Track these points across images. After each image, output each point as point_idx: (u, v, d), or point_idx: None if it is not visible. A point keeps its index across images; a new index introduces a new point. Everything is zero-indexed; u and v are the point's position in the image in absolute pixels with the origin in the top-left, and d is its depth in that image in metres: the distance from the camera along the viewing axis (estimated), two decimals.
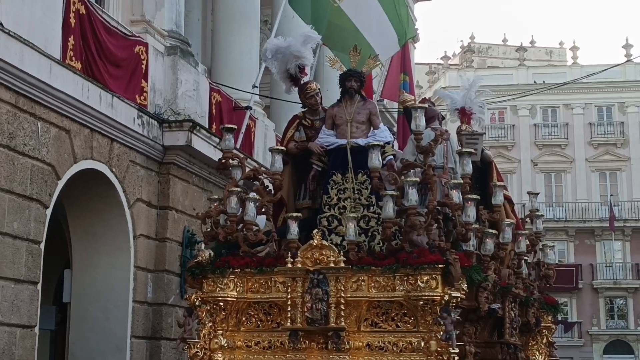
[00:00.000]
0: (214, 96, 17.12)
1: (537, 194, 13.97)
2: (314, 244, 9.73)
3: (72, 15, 12.65)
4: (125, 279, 14.39)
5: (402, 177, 9.74)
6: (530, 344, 12.92)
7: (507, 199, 12.80)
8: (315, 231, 9.82)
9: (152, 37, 15.50)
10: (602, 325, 52.90)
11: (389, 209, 9.59)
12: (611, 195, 53.08)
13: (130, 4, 15.49)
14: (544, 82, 48.89)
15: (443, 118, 12.47)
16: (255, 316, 10.17)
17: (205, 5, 21.85)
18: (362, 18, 13.67)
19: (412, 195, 9.49)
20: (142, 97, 14.78)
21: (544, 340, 13.14)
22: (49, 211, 12.38)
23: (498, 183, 11.62)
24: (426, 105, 10.17)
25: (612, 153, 54.86)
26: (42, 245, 12.23)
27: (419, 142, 9.82)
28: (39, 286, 12.23)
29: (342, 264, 9.55)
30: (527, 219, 13.08)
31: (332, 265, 9.58)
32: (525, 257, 12.63)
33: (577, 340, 51.81)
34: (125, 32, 14.71)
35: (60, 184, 12.62)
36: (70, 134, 12.82)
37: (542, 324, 12.96)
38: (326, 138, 10.77)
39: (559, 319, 49.13)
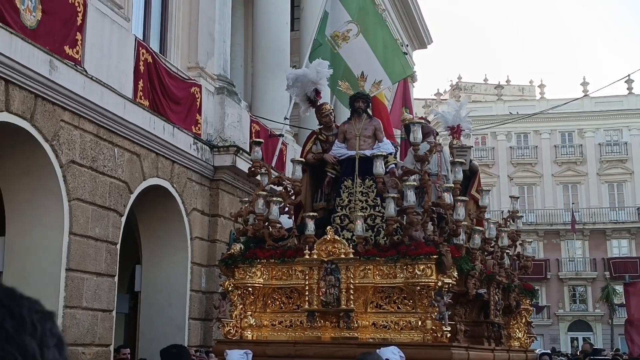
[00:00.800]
0: (254, 126, 17.30)
1: (518, 197, 13.26)
2: (328, 238, 9.13)
3: (141, 63, 12.92)
4: (184, 272, 14.57)
5: (402, 182, 9.09)
6: (511, 323, 12.20)
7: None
8: (328, 228, 9.22)
9: (205, 80, 15.71)
10: (567, 308, 52.63)
11: (391, 208, 8.96)
12: (572, 203, 52.85)
13: (187, 53, 15.60)
14: (517, 113, 49.30)
15: (437, 134, 11.81)
16: (279, 299, 9.55)
17: (246, 55, 21.83)
18: (355, 61, 12.95)
19: (411, 197, 8.87)
20: (196, 128, 15.05)
21: (523, 320, 12.41)
22: (123, 218, 12.58)
23: (485, 189, 10.96)
24: (423, 122, 9.51)
25: (573, 170, 54.74)
26: (118, 246, 12.41)
27: (416, 152, 9.18)
28: (116, 278, 12.37)
29: (352, 255, 8.92)
30: (509, 219, 12.37)
31: (343, 256, 8.97)
32: (508, 251, 11.96)
33: (546, 320, 51.61)
34: (183, 76, 14.85)
35: (132, 197, 12.84)
36: (140, 157, 13.07)
37: (522, 307, 12.22)
38: (338, 150, 10.16)
39: (533, 303, 49.46)
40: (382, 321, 9.00)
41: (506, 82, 60.89)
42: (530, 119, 47.87)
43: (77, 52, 11.10)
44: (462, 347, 8.90)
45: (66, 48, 10.70)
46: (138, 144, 12.91)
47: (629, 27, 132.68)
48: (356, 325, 8.94)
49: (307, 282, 9.13)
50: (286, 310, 9.49)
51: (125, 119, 12.30)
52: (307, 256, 9.10)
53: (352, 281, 8.93)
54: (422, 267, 8.68)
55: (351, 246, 9.01)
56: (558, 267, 52.97)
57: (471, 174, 12.05)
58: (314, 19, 15.24)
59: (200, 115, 15.18)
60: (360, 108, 10.14)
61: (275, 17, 19.16)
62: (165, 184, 13.96)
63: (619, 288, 41.53)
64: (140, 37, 13.82)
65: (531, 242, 13.12)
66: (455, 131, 12.26)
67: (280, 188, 10.02)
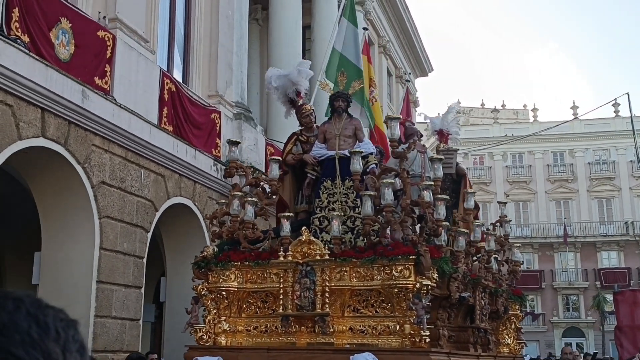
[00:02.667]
0: (269, 149, 16.82)
1: (506, 203, 12.01)
2: (303, 239, 7.89)
3: (166, 91, 12.82)
4: None
5: (379, 180, 7.85)
6: (500, 329, 10.88)
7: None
8: (303, 228, 7.96)
9: (224, 107, 15.42)
10: (561, 316, 51.16)
11: (368, 207, 7.73)
12: (565, 218, 51.59)
13: (208, 82, 15.36)
14: (512, 134, 48.53)
15: (421, 135, 10.55)
16: (254, 304, 8.32)
17: (262, 83, 21.06)
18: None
19: (388, 195, 7.65)
20: (216, 150, 14.83)
21: (512, 326, 11.08)
22: (149, 234, 12.39)
23: (469, 190, 9.69)
24: (400, 117, 8.23)
25: (564, 187, 53.49)
26: (145, 259, 12.23)
27: (394, 149, 7.94)
28: (142, 290, 12.21)
29: (327, 257, 7.67)
30: (497, 224, 11.10)
31: (318, 257, 7.71)
32: (496, 256, 10.69)
33: (541, 327, 50.22)
34: (204, 103, 14.65)
35: (158, 214, 12.65)
36: (165, 178, 12.93)
37: (510, 312, 10.91)
38: (318, 150, 8.95)
39: (529, 311, 48.01)
40: (360, 326, 7.75)
41: (502, 106, 59.51)
42: (524, 140, 47.18)
43: (107, 83, 11.13)
44: (442, 353, 7.63)
45: (96, 79, 10.77)
46: (163, 165, 12.81)
47: (614, 57, 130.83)
48: (332, 330, 7.70)
49: (281, 285, 7.90)
50: (261, 315, 8.25)
51: (151, 143, 12.19)
52: (281, 258, 7.87)
53: (327, 284, 7.70)
54: (399, 268, 7.44)
55: (326, 247, 7.77)
56: (552, 277, 51.60)
57: (459, 178, 10.83)
58: (323, 49, 14.86)
59: (219, 139, 14.89)
60: (340, 107, 8.93)
61: (287, 49, 18.47)
62: (188, 202, 13.76)
63: (609, 297, 40.06)
64: (165, 68, 13.77)
65: (519, 245, 11.77)
66: (442, 135, 11.04)
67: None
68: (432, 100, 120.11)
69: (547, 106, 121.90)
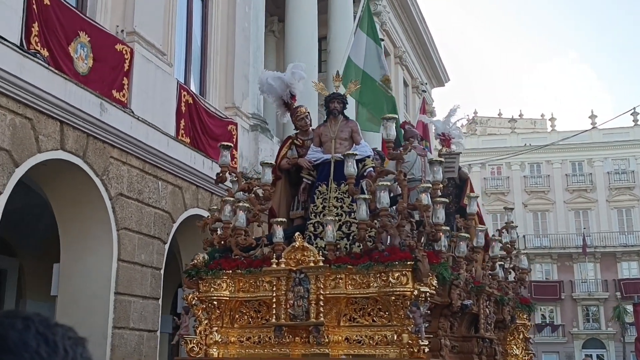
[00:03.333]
0: None
1: (512, 209, 11.55)
2: (296, 245, 7.53)
3: (183, 104, 12.85)
4: None
5: (375, 183, 7.49)
6: (508, 339, 10.46)
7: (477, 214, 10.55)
8: (297, 234, 7.61)
9: (240, 118, 15.44)
10: (581, 327, 50.33)
11: (362, 211, 7.37)
12: (584, 228, 50.84)
13: (224, 94, 15.37)
14: (530, 144, 47.90)
15: (422, 138, 10.19)
16: (247, 314, 7.96)
17: None
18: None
19: (384, 199, 7.30)
20: (233, 162, 14.47)
21: (521, 336, 10.65)
22: (167, 246, 12.34)
23: (472, 194, 9.30)
24: (396, 116, 7.86)
25: (583, 197, 52.82)
26: (162, 271, 12.19)
27: (389, 149, 7.58)
28: (160, 301, 12.16)
29: (321, 264, 7.31)
30: (504, 230, 10.70)
31: (312, 264, 7.35)
32: (501, 262, 10.30)
33: (561, 338, 49.41)
34: (221, 115, 14.67)
35: (175, 225, 12.62)
36: (182, 190, 12.94)
37: (518, 322, 10.49)
38: (314, 154, 8.62)
39: (548, 322, 47.26)
40: (356, 335, 7.38)
41: (519, 116, 58.91)
42: (542, 150, 46.65)
43: (125, 95, 11.16)
44: None
45: (114, 92, 10.82)
46: (180, 177, 12.81)
47: (635, 67, 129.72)
48: (327, 340, 7.33)
49: (274, 294, 7.55)
50: (255, 325, 7.90)
51: (169, 155, 12.19)
52: (274, 265, 7.52)
53: (322, 292, 7.33)
54: (396, 274, 7.07)
55: (320, 254, 7.41)
56: (572, 288, 50.90)
57: (461, 182, 10.45)
58: (339, 61, 14.60)
59: (236, 150, 14.78)
60: (336, 109, 8.60)
61: (304, 61, 18.02)
62: (205, 214, 13.27)
63: (630, 307, 39.23)
64: (182, 80, 13.74)
65: (525, 252, 11.35)
66: (444, 139, 10.67)
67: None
68: (448, 110, 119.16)
69: (565, 116, 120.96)
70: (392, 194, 9.65)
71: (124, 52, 11.06)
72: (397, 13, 28.08)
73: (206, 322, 7.87)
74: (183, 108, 12.87)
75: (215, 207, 8.57)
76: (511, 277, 10.69)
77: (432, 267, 7.14)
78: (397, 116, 7.88)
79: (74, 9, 10.18)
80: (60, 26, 9.55)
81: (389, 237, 7.47)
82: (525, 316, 10.77)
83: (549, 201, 53.05)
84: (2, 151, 8.64)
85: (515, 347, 10.42)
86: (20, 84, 8.68)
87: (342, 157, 8.19)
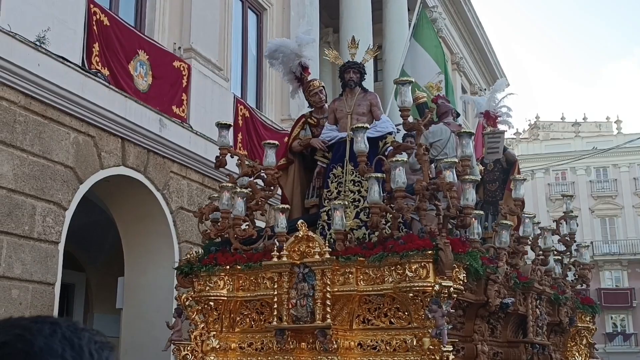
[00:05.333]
0: None
1: (572, 196, 10.05)
2: (300, 235, 6.33)
3: (240, 117, 12.74)
4: None
5: (390, 160, 6.25)
6: (569, 345, 9.01)
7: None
8: (299, 222, 6.42)
9: None
10: None
11: (374, 192, 6.14)
12: None
13: (280, 107, 15.16)
14: (596, 148, 45.36)
15: (458, 115, 8.84)
16: (249, 316, 6.82)
17: None
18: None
19: (399, 177, 6.05)
20: None
21: (584, 342, 9.17)
22: None
23: (518, 177, 7.92)
24: (412, 79, 6.55)
25: None
26: None
27: (405, 119, 6.32)
28: None
29: (327, 256, 6.11)
30: (562, 220, 9.27)
31: (317, 257, 6.15)
32: (558, 257, 8.90)
33: (634, 347, 46.42)
34: (277, 127, 14.34)
35: None
36: None
37: (580, 325, 9.03)
38: (328, 133, 7.43)
39: (619, 331, 44.53)
40: (371, 340, 6.18)
41: (583, 119, 55.98)
42: (608, 154, 44.36)
43: (183, 111, 11.23)
44: None
45: (173, 107, 10.92)
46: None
47: None
48: (336, 346, 6.11)
49: (276, 292, 6.38)
50: (257, 329, 6.75)
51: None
52: (275, 259, 6.36)
53: (329, 289, 6.14)
54: (414, 266, 5.83)
55: (327, 244, 6.21)
56: None
57: (508, 165, 9.09)
58: (395, 69, 14.41)
59: None
60: (352, 80, 7.38)
61: None
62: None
63: None
64: (239, 94, 13.67)
65: (588, 245, 9.86)
66: (490, 117, 9.32)
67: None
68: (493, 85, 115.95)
69: (632, 118, 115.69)
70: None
71: (182, 68, 11.21)
72: (454, 19, 27.36)
73: (202, 325, 6.77)
74: (240, 122, 12.82)
75: (215, 195, 7.44)
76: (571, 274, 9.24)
77: (458, 258, 5.85)
78: (413, 79, 6.59)
79: (133, 29, 10.42)
80: (120, 46, 9.74)
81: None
82: (588, 319, 9.29)
83: (617, 206, 50.21)
84: (67, 168, 8.73)
85: (577, 353, 8.98)
86: (83, 102, 8.79)
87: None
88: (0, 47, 7.65)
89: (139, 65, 10.15)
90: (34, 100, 8.23)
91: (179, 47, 11.49)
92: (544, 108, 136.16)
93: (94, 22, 9.20)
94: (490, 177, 9.17)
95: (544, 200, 50.36)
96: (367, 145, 6.47)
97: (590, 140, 51.12)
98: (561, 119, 57.03)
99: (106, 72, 9.48)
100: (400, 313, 6.07)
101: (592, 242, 45.47)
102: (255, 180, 7.18)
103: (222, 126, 7.22)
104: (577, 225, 9.49)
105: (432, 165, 7.31)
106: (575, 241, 9.26)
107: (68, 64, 8.64)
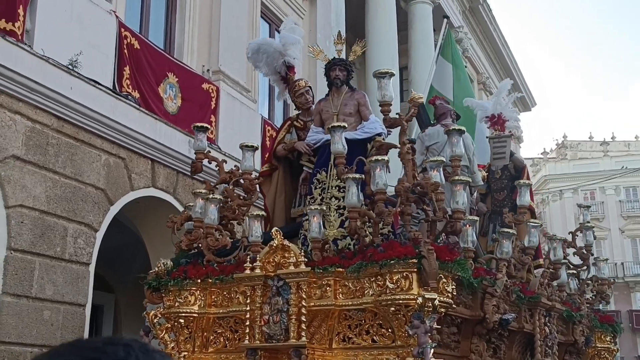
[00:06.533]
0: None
1: (589, 207, 9.29)
2: (275, 245, 5.70)
3: (267, 138, 12.39)
4: None
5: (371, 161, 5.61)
6: None
7: (529, 209, 8.43)
8: (274, 229, 5.79)
9: None
10: None
11: (352, 195, 5.49)
12: None
13: None
14: (625, 167, 44.05)
15: (458, 117, 8.15)
16: (223, 334, 6.17)
17: None
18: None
19: (379, 178, 5.41)
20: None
21: None
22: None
23: (523, 182, 7.20)
24: (393, 72, 5.90)
25: None
26: None
27: (386, 114, 5.69)
28: None
29: (303, 267, 5.47)
30: (578, 232, 8.52)
31: (292, 268, 5.51)
32: (573, 272, 8.15)
33: None
34: None
35: None
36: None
37: (599, 346, 8.23)
38: (314, 136, 6.82)
39: None
40: None
41: (611, 138, 54.52)
42: (638, 173, 42.99)
43: (212, 132, 11.02)
44: None
45: None
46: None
47: None
48: None
49: (248, 308, 5.74)
50: (232, 348, 6.09)
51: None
52: (247, 271, 5.73)
53: (304, 304, 5.48)
54: (395, 277, 5.16)
55: (302, 253, 5.57)
56: None
57: (517, 172, 8.37)
58: (420, 90, 13.52)
59: None
60: (338, 78, 6.77)
61: None
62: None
63: None
64: (266, 115, 13.59)
65: (607, 259, 9.07)
66: (496, 121, 8.63)
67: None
68: (536, 135, 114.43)
69: None
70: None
71: (210, 90, 11.21)
72: (479, 39, 26.94)
73: (173, 345, 6.14)
74: (267, 142, 12.34)
75: (191, 204, 6.84)
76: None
77: (445, 267, 5.17)
78: (394, 72, 5.94)
79: (163, 52, 10.48)
80: (150, 68, 9.82)
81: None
82: (608, 339, 8.47)
83: None
84: (98, 190, 8.72)
85: None
86: (114, 125, 8.81)
87: (347, 137, 6.35)
88: (34, 71, 7.70)
89: (169, 88, 10.26)
90: (66, 123, 8.27)
91: (208, 70, 11.53)
92: (571, 127, 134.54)
93: (124, 46, 9.32)
94: (497, 185, 8.47)
95: (573, 220, 48.95)
96: (346, 146, 5.84)
97: (619, 160, 49.78)
98: (589, 138, 55.72)
99: (136, 94, 9.59)
100: (383, 330, 5.39)
101: (622, 263, 44.12)
102: (234, 187, 6.56)
103: (198, 129, 6.63)
104: (595, 237, 8.71)
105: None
106: (592, 254, 8.49)
107: (99, 87, 8.72)
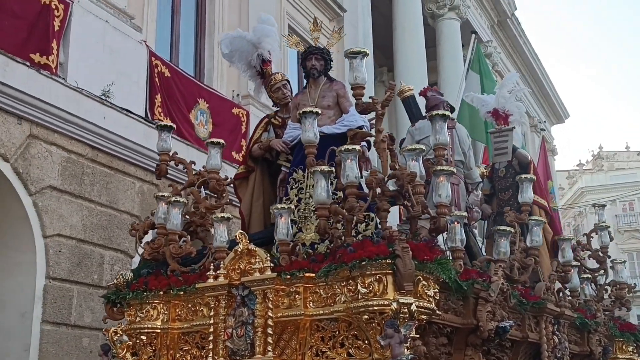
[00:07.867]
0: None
1: (604, 206, 8.52)
2: (240, 250, 5.07)
3: None
4: None
5: (341, 151, 4.96)
6: None
7: (543, 209, 7.69)
8: (238, 232, 5.17)
9: None
10: None
11: (320, 190, 4.84)
12: None
13: None
14: None
15: (453, 110, 7.47)
16: (190, 352, 5.51)
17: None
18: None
19: (350, 170, 4.75)
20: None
21: None
22: None
23: (525, 176, 6.49)
24: (365, 50, 5.26)
25: None
26: None
27: (358, 98, 5.05)
28: None
29: (269, 273, 4.83)
30: (593, 233, 7.78)
31: (257, 275, 4.87)
32: (588, 276, 7.41)
33: None
34: None
35: None
36: None
37: (620, 356, 7.45)
38: (291, 132, 6.19)
39: None
40: None
41: None
42: None
43: (243, 156, 10.51)
44: None
45: (233, 153, 10.75)
46: None
47: None
48: None
49: (212, 321, 5.10)
50: None
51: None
52: (210, 280, 5.11)
53: (271, 314, 4.83)
54: (367, 280, 4.48)
55: (268, 259, 4.94)
56: None
57: (522, 169, 7.67)
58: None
59: None
60: (315, 68, 6.13)
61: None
62: None
63: None
64: None
65: (624, 261, 8.28)
66: (498, 116, 7.95)
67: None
68: (572, 146, 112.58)
69: None
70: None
71: (240, 115, 11.19)
72: (509, 53, 26.42)
73: None
74: None
75: (154, 210, 6.23)
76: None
77: (424, 267, 4.49)
78: (367, 51, 5.29)
79: (193, 79, 10.54)
80: (180, 96, 9.87)
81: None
82: (631, 349, 7.67)
83: None
84: (133, 217, 8.55)
85: None
86: (147, 152, 8.76)
87: (325, 131, 5.74)
88: (69, 103, 7.80)
89: (200, 114, 10.29)
90: (101, 152, 8.33)
91: (237, 94, 11.50)
92: (607, 138, 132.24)
93: (155, 75, 9.39)
94: (502, 184, 7.76)
95: (613, 232, 47.69)
96: (317, 135, 5.21)
97: None
98: (625, 148, 54.44)
99: (168, 122, 9.33)
100: (359, 342, 4.71)
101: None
102: (200, 189, 5.95)
103: (162, 128, 6.06)
104: (612, 238, 7.94)
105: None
106: (609, 256, 7.72)
107: (132, 115, 8.77)
